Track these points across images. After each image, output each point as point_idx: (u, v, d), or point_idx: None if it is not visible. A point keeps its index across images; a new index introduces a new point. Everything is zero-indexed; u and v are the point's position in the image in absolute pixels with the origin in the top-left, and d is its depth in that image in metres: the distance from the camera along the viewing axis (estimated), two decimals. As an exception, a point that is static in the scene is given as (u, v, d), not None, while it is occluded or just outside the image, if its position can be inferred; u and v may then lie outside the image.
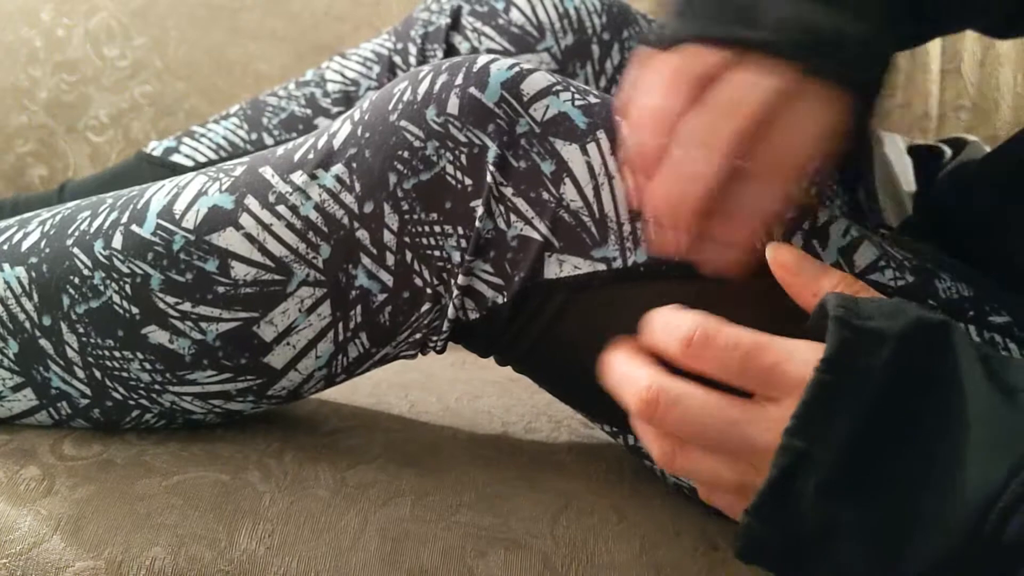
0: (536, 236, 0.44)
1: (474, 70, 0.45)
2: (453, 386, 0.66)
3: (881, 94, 0.43)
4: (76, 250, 0.47)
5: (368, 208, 0.45)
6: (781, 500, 0.32)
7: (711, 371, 0.35)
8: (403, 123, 0.45)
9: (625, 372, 0.37)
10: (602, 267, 0.44)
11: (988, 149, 0.65)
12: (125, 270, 0.46)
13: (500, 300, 0.45)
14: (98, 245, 0.47)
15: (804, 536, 0.33)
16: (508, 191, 0.44)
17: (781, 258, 0.39)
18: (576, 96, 0.46)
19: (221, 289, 0.46)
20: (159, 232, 0.46)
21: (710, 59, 0.41)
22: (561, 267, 0.44)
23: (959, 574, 0.31)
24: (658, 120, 0.41)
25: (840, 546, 0.32)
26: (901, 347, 0.32)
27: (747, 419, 0.34)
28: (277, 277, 0.45)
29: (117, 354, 0.47)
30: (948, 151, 0.67)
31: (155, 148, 0.75)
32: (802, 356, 0.34)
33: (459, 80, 0.45)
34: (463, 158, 0.45)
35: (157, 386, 0.48)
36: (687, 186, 0.40)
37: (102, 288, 0.47)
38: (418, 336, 0.47)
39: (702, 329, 0.35)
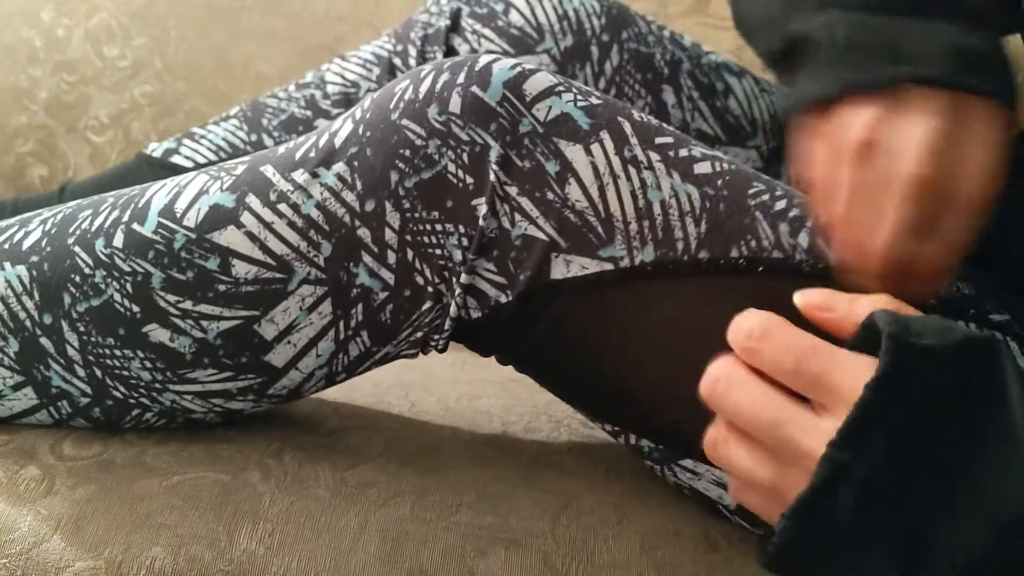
0: (541, 236, 0.44)
1: (476, 69, 0.45)
2: (453, 386, 0.66)
3: (1019, 100, 0.44)
4: (77, 248, 0.47)
5: (369, 206, 0.45)
6: (820, 507, 0.33)
7: (767, 368, 0.36)
8: (405, 121, 0.45)
9: (712, 364, 0.38)
10: (609, 267, 0.44)
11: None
12: (126, 268, 0.46)
13: (504, 299, 0.45)
14: (99, 243, 0.47)
15: (836, 544, 0.33)
16: (513, 190, 0.44)
17: (811, 301, 0.38)
18: (578, 97, 0.46)
19: (222, 287, 0.46)
20: (160, 230, 0.46)
21: (867, 118, 0.41)
22: (568, 267, 0.44)
23: None
24: (840, 189, 0.42)
25: (869, 556, 0.33)
26: (951, 364, 0.33)
27: (797, 420, 0.34)
28: (278, 275, 0.45)
29: (118, 352, 0.47)
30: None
31: (155, 149, 0.75)
32: (853, 368, 0.34)
33: (461, 79, 0.45)
34: (465, 156, 0.45)
35: (158, 385, 0.48)
36: (898, 242, 0.41)
37: (103, 286, 0.47)
38: (419, 335, 0.47)
39: (763, 326, 0.36)
